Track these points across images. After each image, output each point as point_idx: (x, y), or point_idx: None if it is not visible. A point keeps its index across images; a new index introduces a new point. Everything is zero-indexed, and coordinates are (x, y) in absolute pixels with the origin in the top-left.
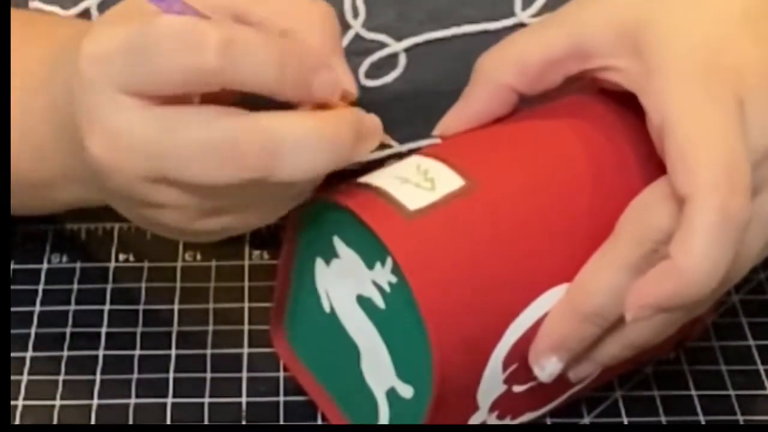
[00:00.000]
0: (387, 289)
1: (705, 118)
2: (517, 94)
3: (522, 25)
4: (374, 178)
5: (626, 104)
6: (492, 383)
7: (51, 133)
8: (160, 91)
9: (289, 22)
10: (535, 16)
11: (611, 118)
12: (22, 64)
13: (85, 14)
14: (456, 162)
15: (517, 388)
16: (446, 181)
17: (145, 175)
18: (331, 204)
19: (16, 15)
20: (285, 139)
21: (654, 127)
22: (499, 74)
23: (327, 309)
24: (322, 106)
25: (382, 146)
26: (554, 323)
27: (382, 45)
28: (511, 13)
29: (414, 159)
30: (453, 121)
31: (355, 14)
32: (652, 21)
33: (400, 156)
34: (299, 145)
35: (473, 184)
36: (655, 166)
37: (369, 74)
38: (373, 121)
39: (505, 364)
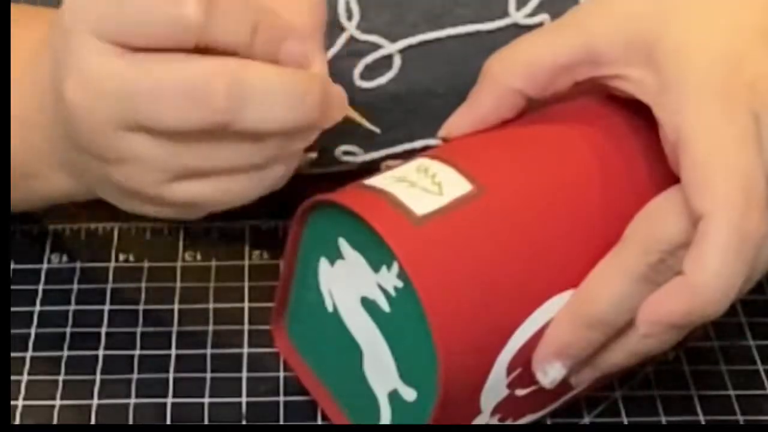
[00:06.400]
0: (393, 293)
1: (721, 135)
2: (525, 98)
3: (516, 25)
4: (381, 181)
5: (635, 109)
6: (495, 388)
7: (36, 109)
8: (136, 39)
9: (277, 1)
10: (529, 16)
11: (620, 124)
12: (18, 48)
13: None
14: (464, 166)
15: (520, 392)
16: (454, 185)
17: (116, 119)
18: (338, 206)
19: (17, 7)
20: (253, 85)
21: (669, 141)
22: (508, 78)
23: (330, 309)
24: None
25: (348, 120)
26: (558, 329)
27: (377, 46)
28: (505, 14)
29: (422, 162)
30: (458, 122)
31: (349, 16)
32: (667, 33)
33: (395, 157)
34: (266, 93)
35: (481, 189)
36: (664, 173)
37: (363, 76)
38: (340, 91)
39: (510, 369)
